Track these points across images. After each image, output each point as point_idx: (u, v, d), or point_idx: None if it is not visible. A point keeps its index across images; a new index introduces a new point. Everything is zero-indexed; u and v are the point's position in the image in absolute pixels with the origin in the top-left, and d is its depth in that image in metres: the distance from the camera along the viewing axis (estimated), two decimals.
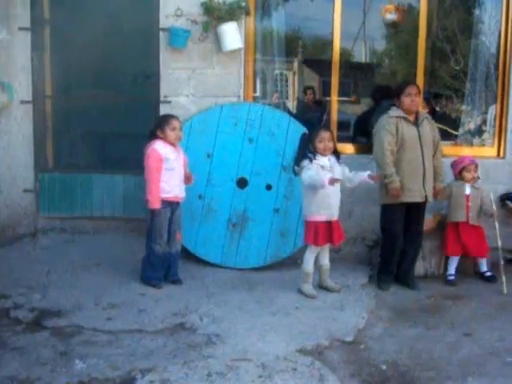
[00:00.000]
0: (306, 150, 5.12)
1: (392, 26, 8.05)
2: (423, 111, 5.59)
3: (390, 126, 5.27)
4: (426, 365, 3.95)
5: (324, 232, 5.08)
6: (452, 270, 5.69)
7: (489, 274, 5.73)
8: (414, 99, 5.29)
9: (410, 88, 5.34)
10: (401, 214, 5.35)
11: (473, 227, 5.67)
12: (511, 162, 6.21)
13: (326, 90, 9.53)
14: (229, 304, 4.90)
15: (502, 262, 5.44)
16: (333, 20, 6.38)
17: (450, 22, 9.30)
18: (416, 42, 6.47)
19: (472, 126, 7.00)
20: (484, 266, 5.77)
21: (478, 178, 5.78)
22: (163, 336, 4.24)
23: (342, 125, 7.43)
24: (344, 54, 9.92)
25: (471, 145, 6.77)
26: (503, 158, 6.32)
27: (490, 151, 6.46)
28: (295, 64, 12.65)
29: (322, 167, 5.04)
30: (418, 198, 5.33)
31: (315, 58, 11.22)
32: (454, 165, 5.81)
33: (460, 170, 5.72)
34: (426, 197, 5.35)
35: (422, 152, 5.31)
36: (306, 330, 4.41)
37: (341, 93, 12.32)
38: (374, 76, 12.25)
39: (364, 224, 6.05)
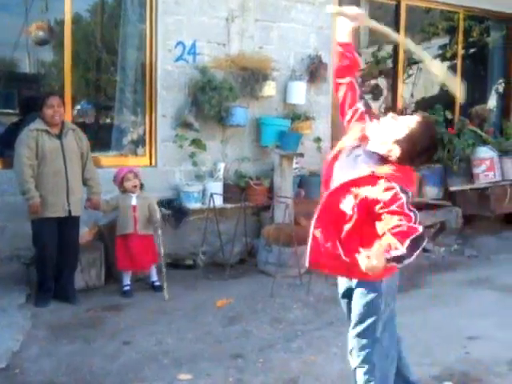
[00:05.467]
0: None
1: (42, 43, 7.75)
2: (69, 123, 5.51)
3: (29, 139, 5.13)
4: (83, 379, 3.93)
5: None
6: (127, 280, 5.67)
7: (158, 283, 5.78)
8: (56, 110, 5.20)
9: (51, 99, 5.24)
10: (51, 228, 5.22)
11: (143, 238, 5.67)
12: (162, 170, 6.48)
13: None
14: None
15: (164, 270, 5.56)
16: None
17: (112, 36, 9.41)
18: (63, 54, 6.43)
19: (135, 136, 7.15)
20: (154, 276, 5.81)
21: (142, 185, 5.78)
22: None
23: None
24: (4, 63, 9.42)
25: (136, 155, 6.90)
26: (155, 166, 6.56)
27: (143, 160, 6.64)
28: None
29: None
30: (61, 213, 5.24)
31: None
32: (115, 177, 5.76)
33: (121, 181, 5.70)
34: (70, 211, 5.27)
35: (65, 165, 5.23)
36: None
37: (4, 105, 11.69)
38: (40, 88, 11.87)
39: (18, 241, 5.74)
